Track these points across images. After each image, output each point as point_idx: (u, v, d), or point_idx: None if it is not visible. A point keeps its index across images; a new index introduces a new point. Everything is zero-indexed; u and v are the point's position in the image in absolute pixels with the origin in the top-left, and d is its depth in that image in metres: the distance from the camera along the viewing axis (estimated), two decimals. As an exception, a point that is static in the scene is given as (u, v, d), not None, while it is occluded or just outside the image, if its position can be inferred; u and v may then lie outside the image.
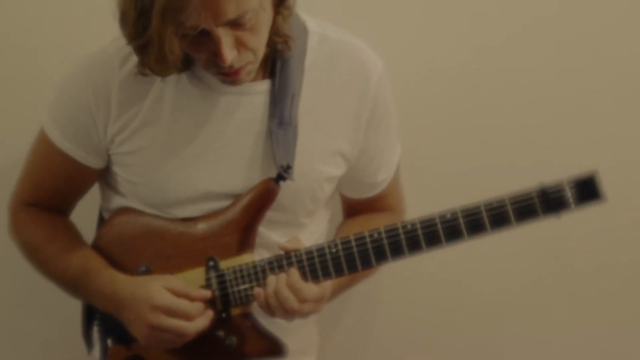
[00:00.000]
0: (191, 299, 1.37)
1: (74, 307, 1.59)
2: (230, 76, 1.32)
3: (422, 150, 1.77)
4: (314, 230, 1.54)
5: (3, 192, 1.57)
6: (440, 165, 1.81)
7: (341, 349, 1.87)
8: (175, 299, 1.36)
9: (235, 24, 1.25)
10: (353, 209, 1.62)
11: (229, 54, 1.26)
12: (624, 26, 1.74)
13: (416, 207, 1.49)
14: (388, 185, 1.58)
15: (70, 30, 1.74)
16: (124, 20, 1.26)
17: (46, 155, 1.48)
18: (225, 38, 1.25)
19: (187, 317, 1.36)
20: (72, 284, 1.47)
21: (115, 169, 1.47)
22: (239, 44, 1.28)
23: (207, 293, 1.39)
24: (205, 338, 1.40)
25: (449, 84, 1.78)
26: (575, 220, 1.66)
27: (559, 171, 1.31)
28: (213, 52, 1.27)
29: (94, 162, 1.47)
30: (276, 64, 1.41)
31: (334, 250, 1.36)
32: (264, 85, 1.41)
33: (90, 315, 1.54)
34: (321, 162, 1.45)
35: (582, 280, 1.84)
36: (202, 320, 1.37)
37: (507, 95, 1.77)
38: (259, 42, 1.31)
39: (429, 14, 1.75)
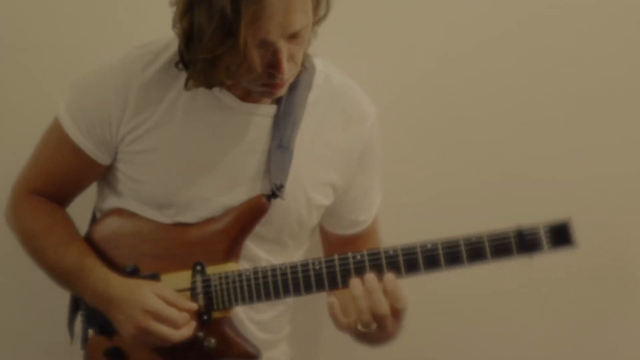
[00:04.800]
0: (179, 309, 1.43)
1: (59, 301, 1.62)
2: (276, 87, 1.40)
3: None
4: (293, 254, 1.61)
5: (1, 191, 1.61)
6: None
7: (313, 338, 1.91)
8: (166, 307, 1.42)
9: (293, 37, 1.33)
10: (332, 247, 1.67)
11: (287, 65, 1.34)
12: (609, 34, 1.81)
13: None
14: (368, 227, 1.65)
15: (70, 30, 1.79)
16: (196, 35, 1.31)
17: (58, 145, 1.53)
18: (284, 49, 1.33)
19: (174, 325, 1.42)
20: (64, 276, 1.52)
21: (120, 166, 1.52)
22: (290, 57, 1.36)
23: (194, 305, 1.45)
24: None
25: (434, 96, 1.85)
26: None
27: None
28: (267, 63, 1.34)
29: (102, 158, 1.52)
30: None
31: (317, 267, 1.44)
32: (271, 109, 1.50)
33: (76, 307, 1.59)
34: (313, 190, 1.54)
35: (558, 285, 1.88)
36: (186, 329, 1.44)
37: (489, 107, 1.85)
38: (302, 57, 1.40)
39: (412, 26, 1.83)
